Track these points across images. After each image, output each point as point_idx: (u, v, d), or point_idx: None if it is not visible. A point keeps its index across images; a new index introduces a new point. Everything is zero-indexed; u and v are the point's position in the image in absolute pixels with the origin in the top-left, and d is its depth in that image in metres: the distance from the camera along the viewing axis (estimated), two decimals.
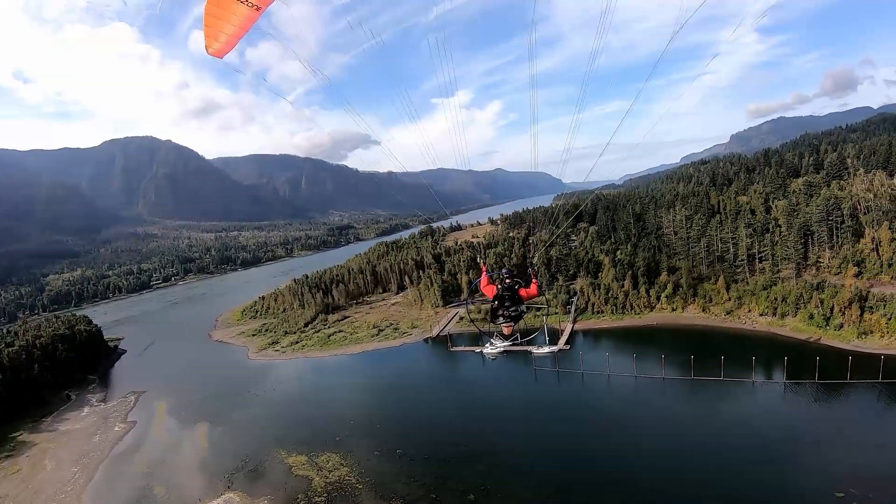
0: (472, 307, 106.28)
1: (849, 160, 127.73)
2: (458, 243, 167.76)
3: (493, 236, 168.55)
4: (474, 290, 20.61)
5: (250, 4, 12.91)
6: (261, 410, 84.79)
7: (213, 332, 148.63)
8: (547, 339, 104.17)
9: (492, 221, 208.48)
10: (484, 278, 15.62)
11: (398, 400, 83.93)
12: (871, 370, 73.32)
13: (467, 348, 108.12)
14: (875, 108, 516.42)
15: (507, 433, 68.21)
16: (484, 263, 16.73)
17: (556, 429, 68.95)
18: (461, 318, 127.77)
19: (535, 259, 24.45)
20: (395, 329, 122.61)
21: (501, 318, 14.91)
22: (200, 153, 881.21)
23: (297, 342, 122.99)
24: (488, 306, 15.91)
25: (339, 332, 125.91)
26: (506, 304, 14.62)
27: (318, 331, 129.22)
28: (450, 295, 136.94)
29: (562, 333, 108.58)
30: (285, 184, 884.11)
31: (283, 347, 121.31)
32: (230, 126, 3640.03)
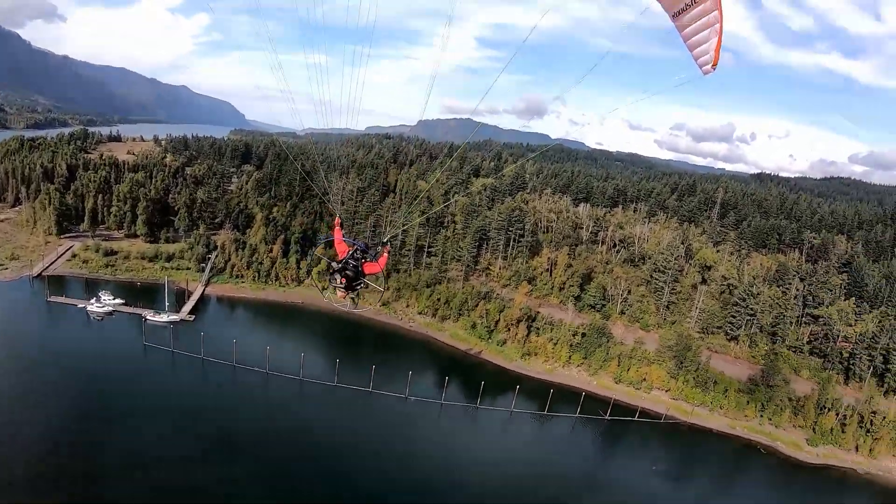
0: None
1: (527, 176, 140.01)
2: (104, 157, 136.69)
3: (147, 158, 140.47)
4: (328, 242, 14.95)
5: None
6: None
7: None
8: (167, 302, 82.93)
9: (156, 140, 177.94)
10: (338, 233, 14.27)
11: None
12: (539, 398, 71.37)
13: (70, 300, 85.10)
14: (552, 137, 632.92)
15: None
16: (339, 218, 14.69)
17: (151, 434, 53.77)
18: (74, 256, 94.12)
19: (387, 238, 11.65)
20: None
21: (338, 280, 13.40)
22: None
23: None
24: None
25: None
26: (347, 272, 13.37)
27: None
28: (69, 221, 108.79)
29: (188, 297, 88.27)
30: None
31: None
32: None
